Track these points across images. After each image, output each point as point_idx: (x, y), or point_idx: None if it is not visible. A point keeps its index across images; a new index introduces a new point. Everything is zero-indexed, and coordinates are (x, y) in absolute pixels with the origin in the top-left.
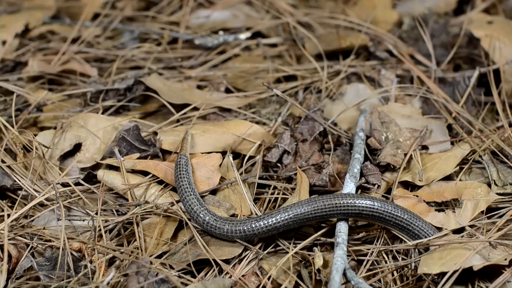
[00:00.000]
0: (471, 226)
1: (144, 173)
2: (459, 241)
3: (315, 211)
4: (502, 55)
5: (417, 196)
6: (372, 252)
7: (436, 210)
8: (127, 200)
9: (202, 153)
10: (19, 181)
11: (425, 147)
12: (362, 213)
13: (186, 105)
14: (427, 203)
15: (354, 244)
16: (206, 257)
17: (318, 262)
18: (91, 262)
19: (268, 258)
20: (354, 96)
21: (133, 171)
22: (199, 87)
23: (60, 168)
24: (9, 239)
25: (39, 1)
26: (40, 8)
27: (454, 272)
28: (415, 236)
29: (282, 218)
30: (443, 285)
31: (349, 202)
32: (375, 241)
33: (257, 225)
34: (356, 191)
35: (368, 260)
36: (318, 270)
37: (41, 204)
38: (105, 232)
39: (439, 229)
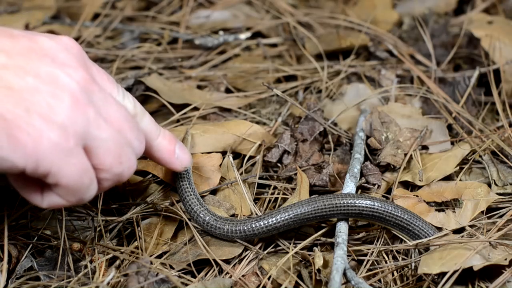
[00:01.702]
0: (471, 226)
1: (144, 173)
2: (459, 241)
3: (315, 211)
4: (502, 55)
5: (417, 196)
6: (372, 252)
7: (436, 210)
8: (127, 200)
9: (202, 153)
10: None
11: (425, 147)
12: (362, 213)
13: (186, 105)
14: (427, 203)
15: (354, 244)
16: (206, 257)
17: (318, 262)
18: (91, 262)
19: (268, 258)
20: (354, 96)
21: None
22: (199, 87)
23: None
24: (9, 239)
25: (39, 1)
26: (40, 8)
27: (454, 272)
28: (415, 236)
29: (282, 218)
30: (443, 285)
31: (349, 202)
32: (375, 241)
33: (257, 225)
34: (356, 191)
35: (368, 260)
36: (318, 270)
37: None
38: (105, 232)
39: (439, 229)
